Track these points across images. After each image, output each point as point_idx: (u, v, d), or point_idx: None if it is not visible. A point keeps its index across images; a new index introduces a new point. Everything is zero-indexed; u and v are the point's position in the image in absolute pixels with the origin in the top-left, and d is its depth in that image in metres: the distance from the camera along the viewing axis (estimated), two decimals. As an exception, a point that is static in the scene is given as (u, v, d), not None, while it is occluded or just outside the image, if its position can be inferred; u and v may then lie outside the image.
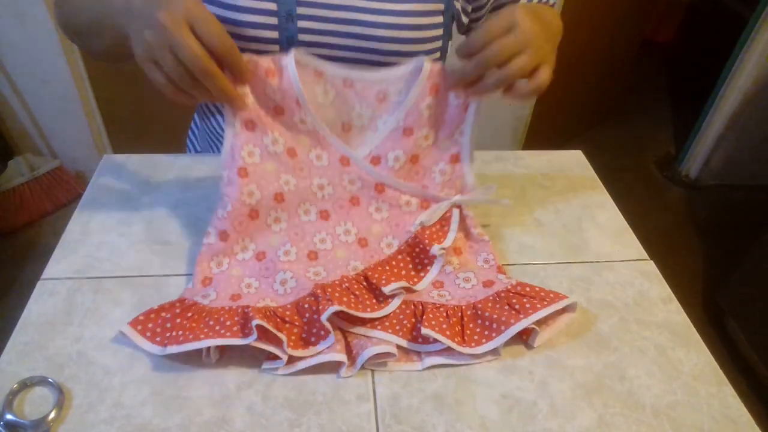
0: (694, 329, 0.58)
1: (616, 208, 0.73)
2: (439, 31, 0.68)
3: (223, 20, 0.63)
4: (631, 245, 0.68)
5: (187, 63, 0.47)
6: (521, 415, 0.50)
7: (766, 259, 1.55)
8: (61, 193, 1.94)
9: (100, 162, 0.74)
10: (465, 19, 0.73)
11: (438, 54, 0.70)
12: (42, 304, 0.56)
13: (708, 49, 2.53)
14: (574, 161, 0.81)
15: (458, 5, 0.69)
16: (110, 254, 0.61)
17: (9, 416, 0.46)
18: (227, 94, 0.51)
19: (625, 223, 0.71)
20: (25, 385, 0.49)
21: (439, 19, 0.67)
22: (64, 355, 0.51)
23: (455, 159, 0.62)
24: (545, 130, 2.18)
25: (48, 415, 0.46)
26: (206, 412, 0.48)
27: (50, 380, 0.49)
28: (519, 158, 0.80)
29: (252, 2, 0.62)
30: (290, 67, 0.56)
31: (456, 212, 0.62)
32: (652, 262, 0.66)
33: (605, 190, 0.76)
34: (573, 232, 0.69)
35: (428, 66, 0.57)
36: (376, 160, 0.60)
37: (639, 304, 0.60)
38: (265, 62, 0.55)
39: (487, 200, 0.64)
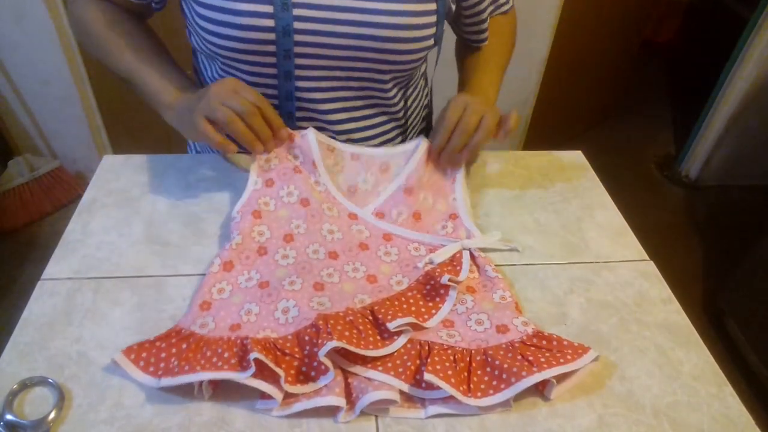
0: (694, 329, 0.58)
1: (616, 208, 0.73)
2: (433, 18, 0.68)
3: (220, 10, 0.63)
4: (631, 245, 0.68)
5: (238, 107, 0.61)
6: (521, 415, 0.50)
7: (766, 259, 1.55)
8: (61, 193, 1.94)
9: (100, 162, 0.74)
10: (453, 6, 0.73)
11: (432, 41, 0.70)
12: (42, 304, 0.56)
13: (708, 49, 2.53)
14: (574, 161, 0.81)
15: None
16: (110, 254, 0.61)
17: (9, 416, 0.46)
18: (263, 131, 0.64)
19: (625, 223, 0.71)
20: (25, 385, 0.49)
21: (433, 6, 0.68)
22: (64, 356, 0.51)
23: (454, 217, 0.67)
24: (545, 130, 2.18)
25: (48, 415, 0.46)
26: (206, 412, 0.48)
27: (50, 380, 0.49)
28: (519, 158, 0.80)
29: None
30: (310, 135, 0.68)
31: (466, 252, 0.62)
32: (651, 262, 0.66)
33: (605, 190, 0.76)
34: (573, 232, 0.69)
35: (425, 143, 0.69)
36: (380, 215, 0.66)
37: (639, 304, 0.60)
38: (289, 130, 0.68)
39: (493, 246, 0.65)
